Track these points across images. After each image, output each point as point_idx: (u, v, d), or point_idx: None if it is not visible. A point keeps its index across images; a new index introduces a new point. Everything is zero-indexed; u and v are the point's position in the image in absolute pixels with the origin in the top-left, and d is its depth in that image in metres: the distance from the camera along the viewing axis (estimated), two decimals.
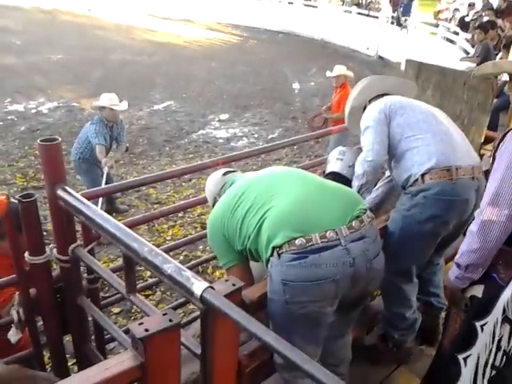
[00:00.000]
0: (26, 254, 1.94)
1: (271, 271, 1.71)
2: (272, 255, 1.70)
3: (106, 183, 4.82)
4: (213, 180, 2.23)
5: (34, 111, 9.16)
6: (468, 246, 1.75)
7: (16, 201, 1.86)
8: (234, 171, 2.24)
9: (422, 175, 2.17)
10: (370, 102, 2.56)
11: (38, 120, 8.64)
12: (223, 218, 1.88)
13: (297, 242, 1.64)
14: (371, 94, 2.59)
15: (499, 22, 9.78)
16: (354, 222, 1.73)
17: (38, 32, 17.66)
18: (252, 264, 1.99)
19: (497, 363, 1.79)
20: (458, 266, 1.80)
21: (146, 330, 1.28)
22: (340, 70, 6.38)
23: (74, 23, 20.47)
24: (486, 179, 1.97)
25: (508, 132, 1.72)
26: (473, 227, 1.73)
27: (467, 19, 13.12)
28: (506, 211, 1.63)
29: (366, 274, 1.75)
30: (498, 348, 1.78)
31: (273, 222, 1.72)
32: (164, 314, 1.36)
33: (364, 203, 1.89)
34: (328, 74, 6.57)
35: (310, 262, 1.64)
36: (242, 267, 1.93)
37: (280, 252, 1.67)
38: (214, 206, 2.12)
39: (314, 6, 21.32)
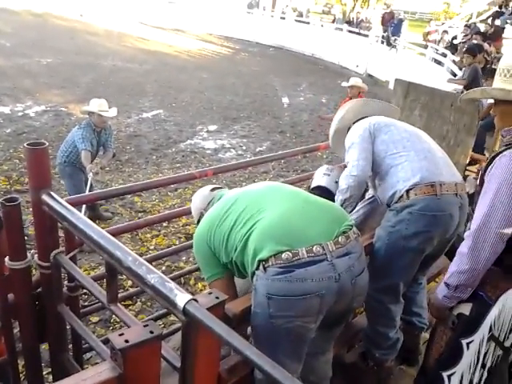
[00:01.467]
0: (6, 259, 1.91)
1: (256, 284, 1.70)
2: (258, 268, 1.69)
3: (89, 190, 4.78)
4: (200, 195, 2.22)
5: (20, 114, 9.06)
6: (458, 266, 1.77)
7: None
8: (221, 188, 2.24)
9: (407, 191, 2.19)
10: (354, 124, 2.59)
11: (25, 123, 8.55)
12: (210, 230, 1.87)
13: (283, 255, 1.64)
14: (355, 116, 2.62)
15: (486, 46, 9.97)
16: (340, 238, 1.74)
17: (29, 35, 17.56)
18: (236, 281, 1.98)
19: (481, 381, 1.80)
20: (448, 285, 1.82)
21: (126, 341, 1.26)
22: (356, 81, 6.76)
23: (66, 28, 20.42)
24: (472, 202, 1.99)
25: (496, 155, 1.74)
26: (463, 248, 1.76)
27: (456, 41, 13.36)
28: (496, 233, 1.66)
29: (351, 291, 1.75)
30: (483, 366, 1.80)
31: (259, 234, 1.71)
32: (145, 326, 1.34)
33: (350, 219, 1.89)
34: (344, 84, 7.11)
35: (296, 276, 1.63)
36: (226, 282, 1.91)
37: (266, 265, 1.66)
38: (198, 221, 2.12)
39: (305, 22, 21.60)
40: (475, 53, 7.96)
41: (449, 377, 1.84)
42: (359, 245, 1.83)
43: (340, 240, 1.73)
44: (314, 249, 1.66)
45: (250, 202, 1.86)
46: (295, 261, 1.64)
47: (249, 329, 1.89)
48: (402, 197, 2.21)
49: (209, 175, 2.77)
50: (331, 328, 1.94)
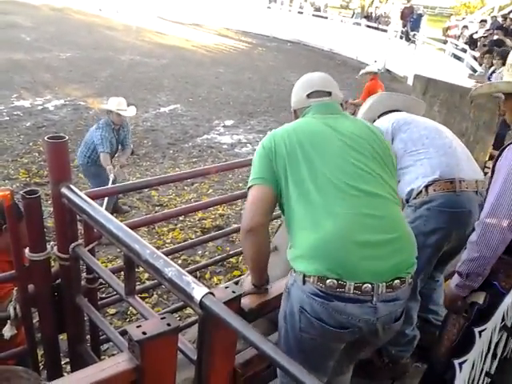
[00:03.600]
0: (27, 251, 1.94)
1: (291, 289, 1.58)
2: (298, 272, 1.55)
3: None
4: (296, 93, 1.95)
5: (40, 108, 9.18)
6: (468, 255, 1.79)
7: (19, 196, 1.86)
8: (320, 97, 1.84)
9: (426, 187, 2.19)
10: (379, 117, 2.58)
11: (44, 117, 8.65)
12: (285, 154, 1.61)
13: (328, 281, 1.47)
14: (380, 110, 2.61)
15: (507, 41, 9.78)
16: (395, 281, 1.52)
17: (48, 29, 17.75)
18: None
19: (492, 371, 1.80)
20: (460, 274, 1.84)
21: (144, 333, 1.28)
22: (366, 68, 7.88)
23: (85, 22, 20.58)
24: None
25: (506, 147, 1.77)
26: (473, 237, 1.78)
27: (476, 36, 13.14)
28: (505, 222, 1.68)
29: (382, 336, 1.61)
30: (494, 356, 1.80)
31: (313, 245, 1.52)
32: (162, 318, 1.35)
33: (413, 259, 1.64)
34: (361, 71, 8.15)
35: (333, 307, 1.49)
36: (270, 193, 1.62)
37: (306, 279, 1.51)
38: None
39: (323, 17, 21.46)
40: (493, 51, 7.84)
41: (460, 364, 1.84)
42: (408, 290, 1.62)
43: (394, 284, 1.52)
44: (363, 287, 1.47)
45: (331, 175, 1.57)
46: (338, 292, 1.47)
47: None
48: (420, 192, 2.21)
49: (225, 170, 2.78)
50: (356, 350, 1.84)
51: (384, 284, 1.49)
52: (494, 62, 7.31)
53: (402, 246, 1.59)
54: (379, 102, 2.64)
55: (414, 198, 2.24)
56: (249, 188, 1.66)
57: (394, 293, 1.52)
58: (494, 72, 7.25)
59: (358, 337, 1.57)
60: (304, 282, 1.51)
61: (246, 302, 1.72)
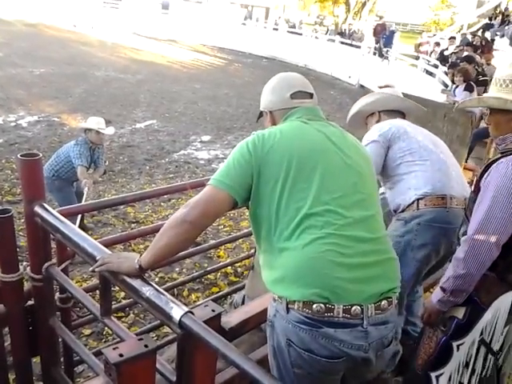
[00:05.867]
0: None
1: (274, 321, 1.47)
2: (278, 300, 1.44)
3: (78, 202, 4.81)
4: (278, 92, 1.77)
5: (13, 124, 9.01)
6: (454, 271, 1.78)
7: None
8: (304, 96, 1.74)
9: (417, 200, 2.22)
10: (379, 112, 2.60)
11: (17, 133, 8.50)
12: (276, 166, 1.47)
13: (314, 306, 1.36)
14: (384, 106, 2.64)
15: (477, 57, 10.06)
16: (382, 302, 1.44)
17: (21, 45, 17.55)
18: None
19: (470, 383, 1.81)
20: (444, 290, 1.83)
21: (121, 355, 1.24)
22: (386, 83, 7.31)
23: (59, 38, 20.43)
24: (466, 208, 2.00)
25: (493, 162, 1.77)
26: (459, 254, 1.77)
27: (447, 53, 13.48)
28: (493, 239, 1.68)
29: (373, 364, 1.49)
30: (470, 369, 1.81)
31: (298, 265, 1.40)
32: (139, 339, 1.32)
33: (399, 280, 1.56)
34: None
35: (323, 334, 1.38)
36: (225, 199, 1.48)
37: (289, 306, 1.40)
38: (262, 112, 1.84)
39: (298, 34, 21.75)
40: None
41: (437, 377, 1.86)
42: (396, 312, 1.54)
43: (382, 304, 1.44)
44: (352, 309, 1.38)
45: (322, 183, 1.47)
46: (326, 317, 1.37)
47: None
48: (411, 205, 2.24)
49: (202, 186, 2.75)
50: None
51: (373, 305, 1.41)
52: (456, 79, 7.38)
53: (391, 267, 1.54)
54: (383, 100, 2.65)
55: (403, 211, 2.26)
56: (210, 183, 1.51)
57: (383, 314, 1.44)
58: (457, 87, 7.36)
59: (351, 367, 1.47)
60: (288, 310, 1.40)
61: (227, 321, 1.69)
